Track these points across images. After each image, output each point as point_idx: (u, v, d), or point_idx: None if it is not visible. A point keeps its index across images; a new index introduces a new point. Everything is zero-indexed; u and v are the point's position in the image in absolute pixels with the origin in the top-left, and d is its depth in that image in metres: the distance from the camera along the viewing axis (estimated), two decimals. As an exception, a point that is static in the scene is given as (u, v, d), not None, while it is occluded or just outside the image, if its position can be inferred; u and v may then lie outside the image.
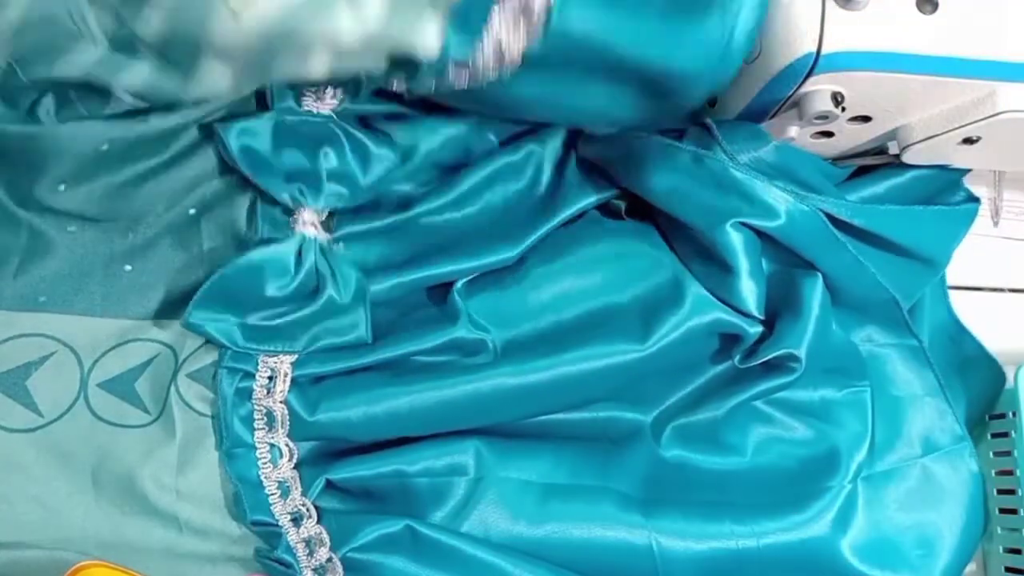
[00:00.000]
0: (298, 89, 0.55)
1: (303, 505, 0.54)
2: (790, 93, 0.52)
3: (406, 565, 0.53)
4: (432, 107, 0.58)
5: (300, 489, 0.54)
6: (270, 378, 0.54)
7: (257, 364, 0.54)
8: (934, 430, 0.60)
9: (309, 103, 0.56)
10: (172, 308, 0.55)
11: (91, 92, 0.52)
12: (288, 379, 0.54)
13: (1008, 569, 0.61)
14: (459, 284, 0.56)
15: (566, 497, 0.55)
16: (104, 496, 0.53)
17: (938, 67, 0.49)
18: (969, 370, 0.63)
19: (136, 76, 0.51)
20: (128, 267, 0.56)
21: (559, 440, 0.57)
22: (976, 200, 0.60)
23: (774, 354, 0.55)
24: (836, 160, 0.60)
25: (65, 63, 0.50)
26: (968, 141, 0.53)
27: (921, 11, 0.49)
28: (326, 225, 0.57)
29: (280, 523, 0.53)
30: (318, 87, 0.56)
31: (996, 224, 0.68)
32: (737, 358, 0.58)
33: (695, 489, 0.57)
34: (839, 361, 0.59)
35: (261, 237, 0.55)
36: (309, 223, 0.55)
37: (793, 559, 0.56)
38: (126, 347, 0.55)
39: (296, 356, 0.54)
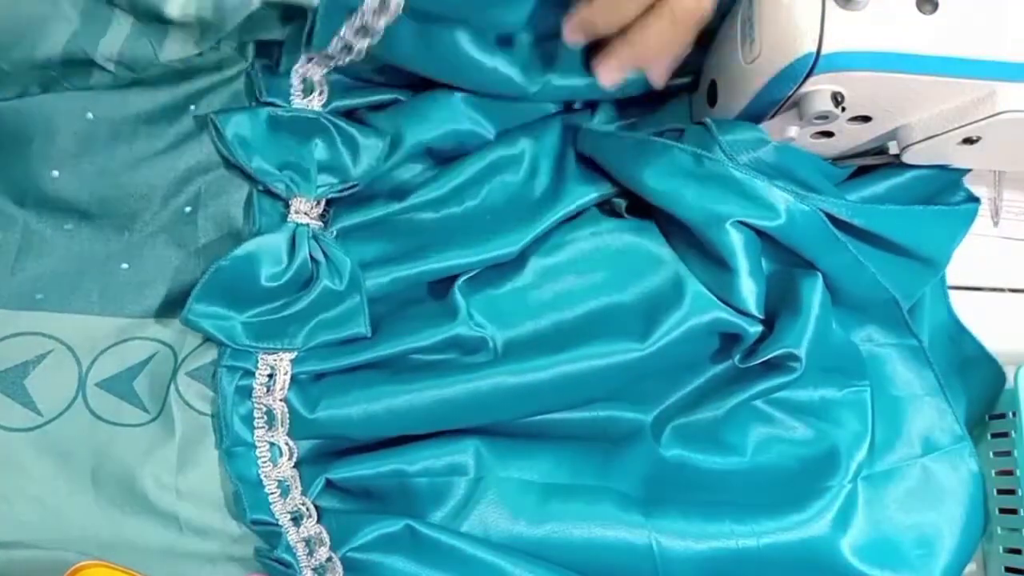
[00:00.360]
0: (286, 86, 0.56)
1: (303, 504, 0.54)
2: (790, 93, 0.52)
3: (406, 565, 0.53)
4: (417, 88, 0.59)
5: (300, 488, 0.54)
6: (270, 376, 0.54)
7: (257, 362, 0.54)
8: (934, 430, 0.60)
9: (298, 101, 0.56)
10: (170, 306, 0.55)
11: (74, 69, 0.52)
12: (288, 376, 0.54)
13: (1008, 569, 0.61)
14: (460, 281, 0.56)
15: (566, 497, 0.55)
16: (104, 495, 0.53)
17: (938, 67, 0.49)
18: (969, 370, 0.63)
19: (113, 45, 0.51)
20: (125, 265, 0.56)
21: (559, 439, 0.57)
22: (976, 200, 0.60)
23: (774, 353, 0.55)
24: (836, 160, 0.60)
25: (42, 43, 0.50)
26: (968, 141, 0.53)
27: (921, 11, 0.49)
28: (322, 217, 0.57)
29: (280, 522, 0.53)
30: (305, 87, 0.56)
31: (996, 224, 0.68)
32: (737, 357, 0.58)
33: (695, 489, 0.57)
34: (839, 361, 0.59)
35: (257, 231, 0.56)
36: (302, 212, 0.56)
37: (793, 559, 0.56)
38: (124, 346, 0.55)
39: (295, 353, 0.54)
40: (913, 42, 0.49)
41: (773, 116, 0.55)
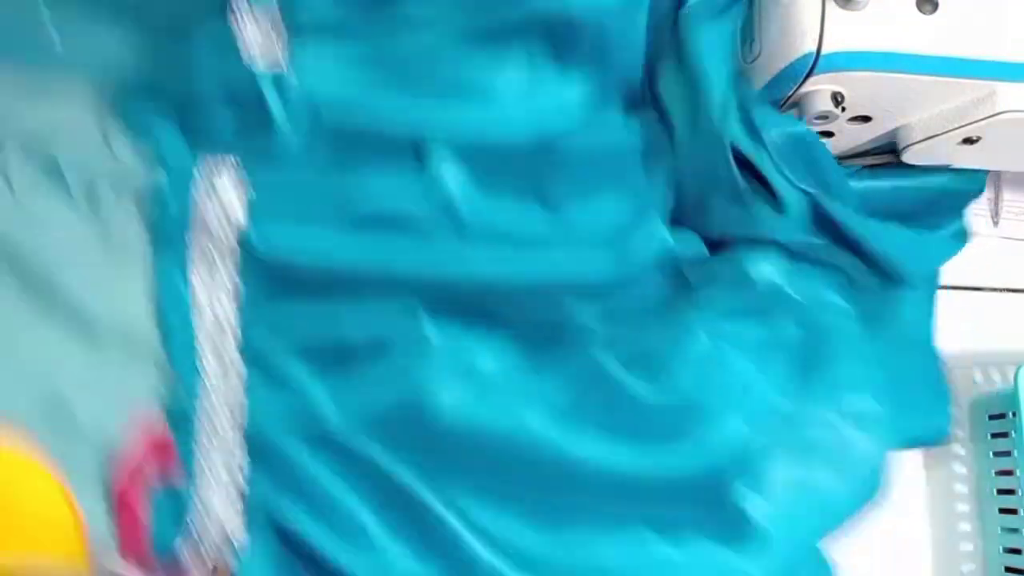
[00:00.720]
0: None
1: (226, 321, 0.53)
2: (790, 93, 0.52)
3: (313, 460, 0.53)
4: None
5: (231, 312, 0.53)
6: (212, 183, 0.51)
7: (198, 164, 0.51)
8: (857, 399, 0.60)
9: None
10: (102, 74, 0.52)
11: None
12: (232, 182, 0.51)
13: (1008, 569, 0.61)
14: (434, 137, 0.54)
15: (495, 392, 0.55)
16: (26, 293, 0.50)
17: (938, 67, 0.49)
18: (918, 391, 0.63)
19: None
20: (50, 24, 0.51)
21: (508, 327, 0.57)
22: (964, 238, 0.61)
23: (723, 267, 0.56)
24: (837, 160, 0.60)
25: None
26: (968, 141, 0.53)
27: (921, 11, 0.49)
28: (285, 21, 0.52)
29: (196, 334, 0.52)
30: None
31: (996, 224, 0.68)
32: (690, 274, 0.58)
33: (616, 409, 0.57)
34: (770, 308, 0.59)
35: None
36: (257, 40, 0.50)
37: (687, 492, 0.56)
38: (47, 114, 0.51)
39: (239, 159, 0.52)
40: (913, 42, 0.49)
41: (773, 116, 0.55)
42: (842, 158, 0.60)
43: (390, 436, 0.54)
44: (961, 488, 0.65)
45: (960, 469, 0.66)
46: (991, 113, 0.50)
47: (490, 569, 0.53)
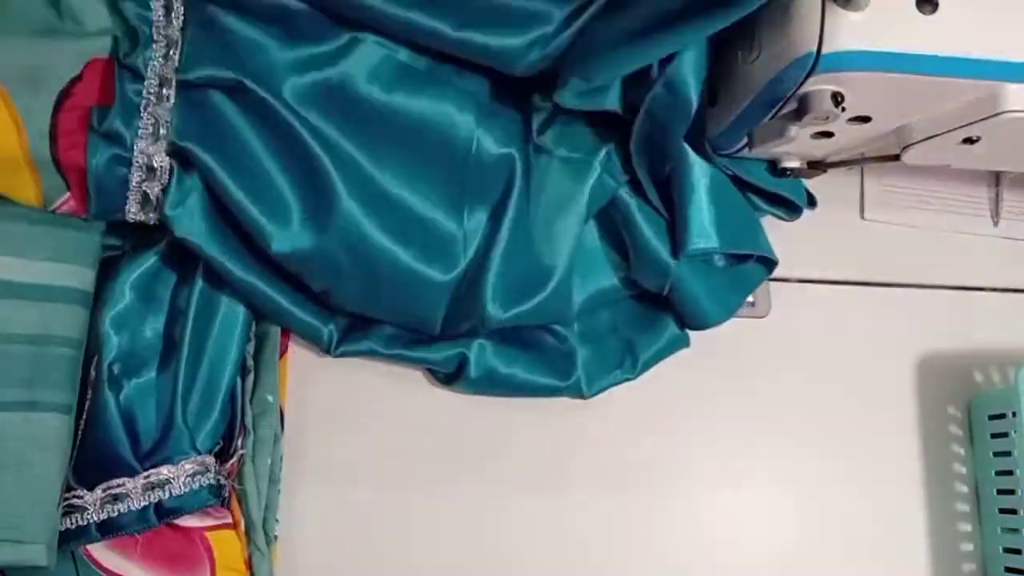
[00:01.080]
0: None
1: None
2: (790, 93, 0.52)
3: (234, 114, 0.55)
4: None
5: None
6: None
7: None
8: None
9: None
10: None
11: None
12: None
13: (1008, 569, 0.61)
14: None
15: (419, 82, 0.59)
16: None
17: (938, 67, 0.49)
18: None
19: None
20: None
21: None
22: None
23: None
24: (836, 161, 0.60)
25: None
26: (968, 141, 0.53)
27: (921, 11, 0.49)
28: None
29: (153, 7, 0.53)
30: None
31: (996, 224, 0.68)
32: None
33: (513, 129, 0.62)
34: None
35: None
36: None
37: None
38: None
39: None
40: (913, 42, 0.49)
41: (773, 116, 0.55)
42: (841, 162, 0.60)
43: (318, 101, 0.57)
44: (961, 488, 0.65)
45: (960, 469, 0.66)
46: (991, 113, 0.50)
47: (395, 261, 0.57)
